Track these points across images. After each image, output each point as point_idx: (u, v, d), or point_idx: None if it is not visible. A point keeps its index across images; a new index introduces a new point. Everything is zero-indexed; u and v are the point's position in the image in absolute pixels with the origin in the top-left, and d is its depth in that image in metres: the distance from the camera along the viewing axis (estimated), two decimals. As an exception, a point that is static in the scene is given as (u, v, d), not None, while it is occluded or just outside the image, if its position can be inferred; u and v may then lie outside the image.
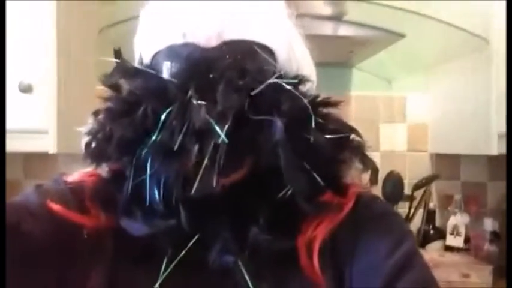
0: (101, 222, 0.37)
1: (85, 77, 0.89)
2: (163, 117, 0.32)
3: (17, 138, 0.83)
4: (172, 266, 0.34)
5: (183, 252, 0.34)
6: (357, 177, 0.39)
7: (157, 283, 0.34)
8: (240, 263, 0.34)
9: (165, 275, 0.34)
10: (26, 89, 0.88)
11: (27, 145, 0.88)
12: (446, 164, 1.31)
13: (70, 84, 0.94)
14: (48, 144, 0.90)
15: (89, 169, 0.39)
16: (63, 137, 0.91)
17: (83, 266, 0.37)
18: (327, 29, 0.94)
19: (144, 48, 0.41)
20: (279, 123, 0.32)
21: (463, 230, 1.17)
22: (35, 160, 1.21)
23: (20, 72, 0.86)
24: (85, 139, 0.37)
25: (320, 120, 0.35)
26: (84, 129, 0.37)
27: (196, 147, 0.31)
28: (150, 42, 0.40)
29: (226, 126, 0.30)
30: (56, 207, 0.37)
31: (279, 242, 0.35)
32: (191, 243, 0.34)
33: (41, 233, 0.36)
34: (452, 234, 1.18)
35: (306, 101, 0.35)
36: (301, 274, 0.36)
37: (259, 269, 0.35)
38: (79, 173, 0.41)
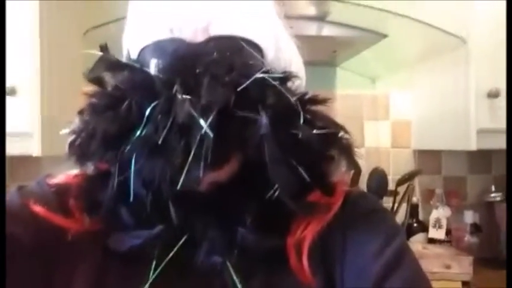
0: (86, 225, 0.36)
1: (69, 79, 0.88)
2: (147, 111, 0.31)
3: (1, 141, 0.82)
4: (160, 267, 0.34)
5: (171, 254, 0.33)
6: (342, 175, 0.38)
7: (146, 285, 0.33)
8: (228, 263, 0.34)
9: (153, 277, 0.33)
10: (10, 92, 0.86)
11: (12, 148, 0.87)
12: (428, 159, 1.35)
13: (54, 87, 0.93)
14: (32, 147, 0.89)
15: (75, 171, 0.39)
16: (47, 140, 0.90)
17: (67, 269, 0.37)
18: (310, 29, 0.95)
19: (131, 44, 0.40)
20: (264, 117, 0.32)
21: (444, 223, 1.21)
22: (19, 163, 1.18)
23: (3, 74, 0.85)
24: (69, 138, 0.36)
25: (308, 116, 0.34)
26: (68, 129, 0.36)
27: (181, 142, 0.30)
28: (137, 38, 0.39)
29: (210, 119, 0.30)
30: (38, 209, 0.36)
31: (267, 242, 0.35)
32: (179, 244, 0.34)
33: (23, 234, 0.35)
34: (434, 227, 1.21)
35: (295, 98, 0.34)
36: (292, 274, 0.36)
37: (249, 270, 0.34)
38: (64, 175, 0.40)
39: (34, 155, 0.89)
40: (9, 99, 0.86)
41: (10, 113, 0.86)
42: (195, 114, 0.30)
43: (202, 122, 0.30)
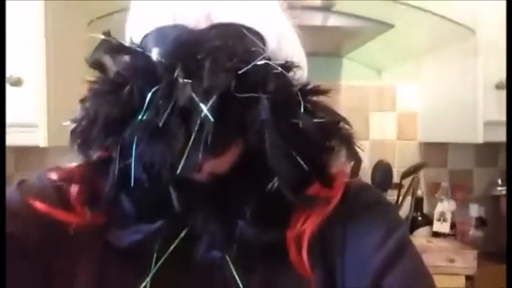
0: (87, 219, 0.36)
1: (75, 69, 0.88)
2: (149, 96, 0.31)
3: (8, 132, 0.82)
4: (161, 261, 0.34)
5: (171, 248, 0.34)
6: (342, 166, 0.38)
7: (148, 279, 0.34)
8: (227, 258, 0.34)
9: (153, 271, 0.34)
10: (16, 83, 0.87)
11: (18, 139, 0.88)
12: (434, 152, 1.33)
13: (60, 77, 0.94)
14: (39, 137, 0.90)
15: (78, 162, 0.38)
16: (53, 130, 0.91)
17: (69, 263, 0.37)
18: (316, 19, 0.94)
19: (134, 32, 0.39)
20: (265, 102, 0.31)
21: (449, 216, 1.20)
22: (26, 154, 1.20)
23: (9, 65, 0.85)
24: (71, 126, 0.35)
25: (309, 106, 0.34)
26: (71, 118, 0.35)
27: (182, 126, 0.30)
28: (140, 26, 0.39)
29: (210, 102, 0.30)
30: (38, 205, 0.36)
31: (266, 235, 0.34)
32: (179, 238, 0.34)
33: (23, 232, 0.35)
34: (439, 220, 1.21)
35: (296, 87, 0.34)
36: (291, 268, 0.35)
37: (248, 264, 0.34)
38: (66, 167, 0.40)
39: (40, 145, 0.90)
40: (15, 90, 0.87)
41: (16, 103, 0.87)
42: (196, 97, 0.30)
43: (202, 105, 0.30)
